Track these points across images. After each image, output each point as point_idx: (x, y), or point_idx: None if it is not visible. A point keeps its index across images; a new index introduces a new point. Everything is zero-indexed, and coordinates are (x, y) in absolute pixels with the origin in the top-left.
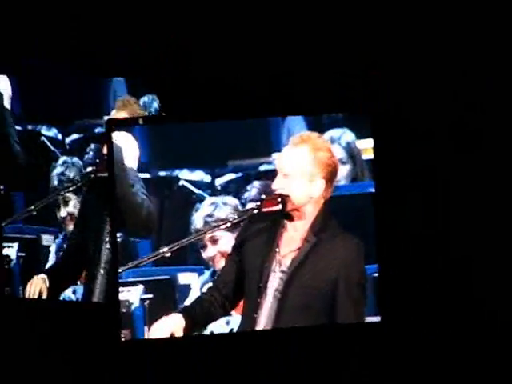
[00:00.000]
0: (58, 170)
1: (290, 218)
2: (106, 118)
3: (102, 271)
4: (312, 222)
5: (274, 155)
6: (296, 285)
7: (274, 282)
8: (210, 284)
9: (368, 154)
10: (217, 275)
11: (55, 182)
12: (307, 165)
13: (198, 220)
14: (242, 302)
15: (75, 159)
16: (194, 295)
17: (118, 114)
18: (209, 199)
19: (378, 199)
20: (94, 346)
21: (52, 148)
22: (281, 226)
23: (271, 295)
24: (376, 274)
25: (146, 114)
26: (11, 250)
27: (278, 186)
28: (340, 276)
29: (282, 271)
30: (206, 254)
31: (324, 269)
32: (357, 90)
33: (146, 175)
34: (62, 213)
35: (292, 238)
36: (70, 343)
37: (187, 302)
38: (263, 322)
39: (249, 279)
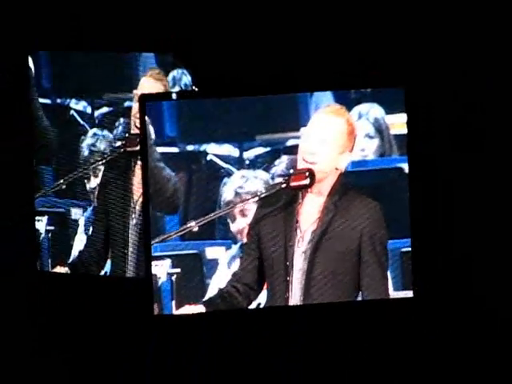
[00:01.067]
0: (89, 141)
1: (309, 191)
2: (135, 92)
3: (130, 244)
4: (330, 193)
5: (302, 130)
6: (321, 255)
7: (299, 257)
8: (230, 276)
9: (397, 129)
10: (238, 267)
11: (86, 153)
12: (343, 136)
13: (228, 192)
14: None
15: (106, 132)
16: (221, 270)
17: (148, 83)
18: (239, 172)
19: (412, 173)
20: (127, 319)
21: (81, 122)
22: (297, 202)
23: (298, 271)
24: (404, 249)
25: (175, 89)
26: (40, 224)
27: (313, 149)
28: (363, 235)
29: (305, 247)
30: (234, 227)
31: (347, 233)
32: (390, 64)
33: (175, 149)
34: (92, 184)
35: (311, 212)
36: (102, 317)
37: (215, 279)
38: (294, 298)
39: (273, 261)
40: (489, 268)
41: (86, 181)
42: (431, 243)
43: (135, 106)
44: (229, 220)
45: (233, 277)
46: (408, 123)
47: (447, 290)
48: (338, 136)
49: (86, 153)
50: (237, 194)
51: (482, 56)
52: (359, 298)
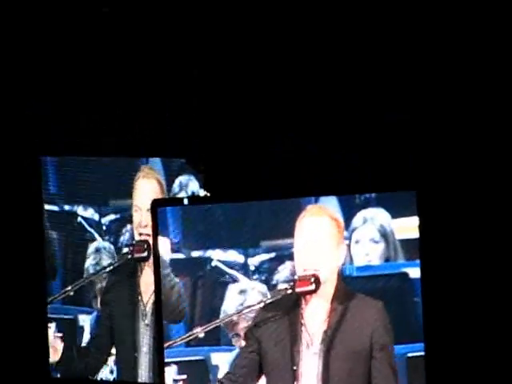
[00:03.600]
0: (92, 258)
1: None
2: (134, 203)
3: (141, 348)
4: (335, 295)
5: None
6: (335, 355)
7: (311, 360)
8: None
9: (402, 234)
10: (233, 367)
11: (90, 271)
12: (334, 233)
13: (229, 308)
14: None
15: (107, 244)
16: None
17: (142, 185)
18: (237, 286)
19: (425, 279)
20: None
21: (88, 228)
22: (301, 306)
23: (312, 375)
24: (410, 354)
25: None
26: (49, 331)
27: (312, 259)
28: (374, 337)
29: (317, 347)
30: (237, 332)
31: (357, 334)
32: (400, 168)
33: (180, 255)
34: (99, 291)
35: (316, 313)
36: None
37: None
38: None
39: (278, 366)
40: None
41: (92, 288)
42: (442, 348)
43: (136, 214)
44: (231, 326)
45: (225, 376)
46: (420, 226)
47: None
48: (329, 236)
49: (91, 271)
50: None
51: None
52: None
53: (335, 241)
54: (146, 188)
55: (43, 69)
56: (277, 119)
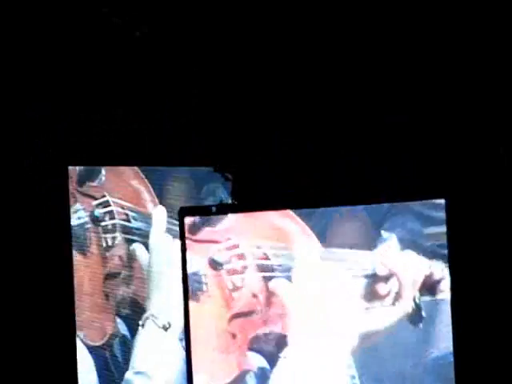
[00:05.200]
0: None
1: None
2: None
3: None
4: None
5: None
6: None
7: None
8: None
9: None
10: None
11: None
12: None
13: None
14: None
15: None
16: None
17: None
18: None
19: (454, 287)
20: None
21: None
22: None
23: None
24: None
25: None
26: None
27: None
28: None
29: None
30: None
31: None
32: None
33: None
34: None
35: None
36: None
37: None
38: None
39: None
40: None
41: None
42: (474, 359)
43: None
44: None
45: None
46: (449, 235)
47: None
48: None
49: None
50: None
51: None
52: None
53: None
54: None
55: (74, 78)
56: (306, 129)
